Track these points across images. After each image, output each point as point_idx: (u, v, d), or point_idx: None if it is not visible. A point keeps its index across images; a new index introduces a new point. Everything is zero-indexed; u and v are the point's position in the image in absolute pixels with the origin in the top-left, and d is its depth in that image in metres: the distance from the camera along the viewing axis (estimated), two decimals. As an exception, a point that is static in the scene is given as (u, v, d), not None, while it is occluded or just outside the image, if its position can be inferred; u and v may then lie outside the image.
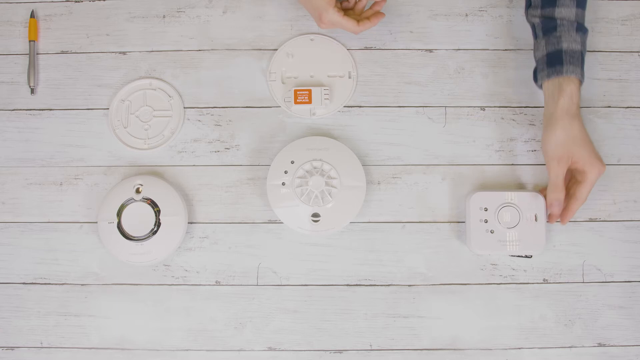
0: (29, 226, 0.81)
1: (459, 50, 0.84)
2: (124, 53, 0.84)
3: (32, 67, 0.83)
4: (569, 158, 0.73)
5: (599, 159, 0.74)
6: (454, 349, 0.79)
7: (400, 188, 0.82)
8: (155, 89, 0.83)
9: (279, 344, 0.79)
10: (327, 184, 0.77)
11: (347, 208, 0.78)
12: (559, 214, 0.76)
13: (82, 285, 0.80)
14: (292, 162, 0.78)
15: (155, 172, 0.82)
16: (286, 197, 0.78)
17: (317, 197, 0.77)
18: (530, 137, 0.82)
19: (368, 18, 0.79)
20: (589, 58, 0.83)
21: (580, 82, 0.75)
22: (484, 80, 0.83)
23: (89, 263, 0.80)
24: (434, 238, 0.81)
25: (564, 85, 0.74)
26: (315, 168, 0.78)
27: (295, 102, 0.81)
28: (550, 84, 0.75)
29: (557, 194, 0.74)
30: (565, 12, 0.74)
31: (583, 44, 0.75)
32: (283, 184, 0.78)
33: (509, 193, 0.78)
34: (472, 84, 0.83)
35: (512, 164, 0.82)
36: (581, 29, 0.75)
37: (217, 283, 0.80)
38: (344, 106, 0.83)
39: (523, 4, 0.85)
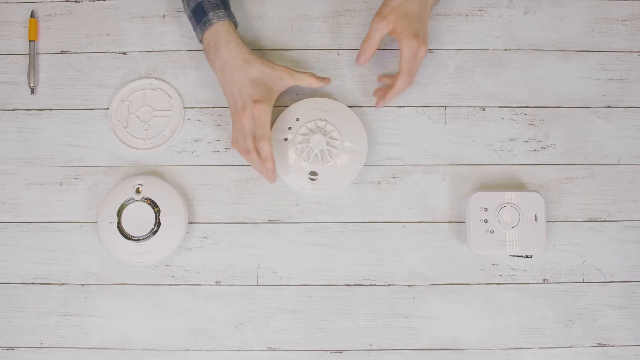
0: (29, 226, 0.81)
1: (459, 50, 0.84)
2: (124, 53, 0.84)
3: (32, 67, 0.83)
4: (391, 22, 0.74)
5: (417, 36, 0.73)
6: (454, 349, 0.79)
7: (400, 188, 0.82)
8: (155, 89, 0.83)
9: (279, 344, 0.79)
10: (328, 144, 0.77)
11: (346, 171, 0.78)
12: (363, 61, 0.77)
13: (82, 285, 0.80)
14: (297, 120, 0.79)
15: (155, 172, 0.82)
16: (287, 152, 0.78)
17: (317, 155, 0.77)
18: (530, 137, 0.82)
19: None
20: (589, 57, 0.83)
21: None
22: (484, 80, 0.83)
23: (89, 263, 0.80)
24: (434, 238, 0.81)
25: None
26: (318, 127, 0.78)
27: None
28: None
29: (366, 43, 0.76)
30: None
31: None
32: (285, 139, 0.78)
33: (509, 193, 0.78)
34: (472, 84, 0.83)
35: (512, 164, 0.82)
36: None
37: (217, 283, 0.80)
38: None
39: (523, 4, 0.85)
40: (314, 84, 0.78)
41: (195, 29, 0.78)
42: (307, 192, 0.78)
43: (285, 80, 0.76)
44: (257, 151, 0.74)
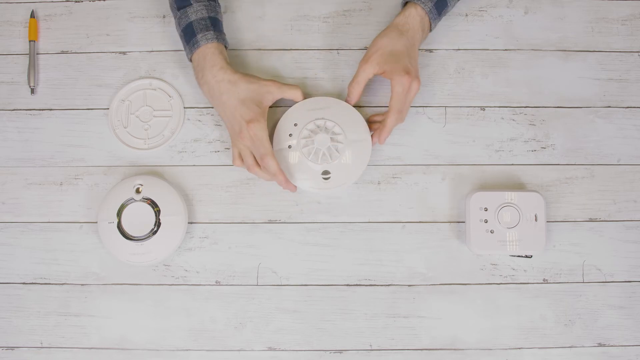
0: (29, 226, 0.81)
1: (459, 50, 0.84)
2: (124, 53, 0.84)
3: (32, 67, 0.83)
4: (375, 64, 0.75)
5: (408, 72, 0.74)
6: (454, 349, 0.79)
7: (400, 188, 0.82)
8: (155, 89, 0.83)
9: (279, 344, 0.79)
10: (332, 140, 0.77)
11: (356, 161, 0.78)
12: (352, 102, 0.79)
13: (82, 285, 0.80)
14: (295, 125, 0.78)
15: (155, 172, 0.82)
16: (295, 159, 0.78)
17: (325, 154, 0.77)
18: (530, 137, 0.82)
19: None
20: (589, 57, 0.83)
21: (427, 15, 0.77)
22: (484, 80, 0.83)
23: (89, 263, 0.80)
24: (434, 238, 0.81)
25: (409, 6, 0.78)
26: (318, 127, 0.78)
27: None
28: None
29: (352, 85, 0.77)
30: None
31: None
32: (289, 146, 0.78)
33: (509, 193, 0.78)
34: (472, 84, 0.83)
35: (512, 164, 0.82)
36: None
37: (217, 283, 0.80)
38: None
39: (523, 4, 0.85)
40: (298, 97, 0.79)
41: (185, 49, 0.78)
42: (322, 192, 0.78)
43: (274, 94, 0.77)
44: (262, 165, 0.75)
